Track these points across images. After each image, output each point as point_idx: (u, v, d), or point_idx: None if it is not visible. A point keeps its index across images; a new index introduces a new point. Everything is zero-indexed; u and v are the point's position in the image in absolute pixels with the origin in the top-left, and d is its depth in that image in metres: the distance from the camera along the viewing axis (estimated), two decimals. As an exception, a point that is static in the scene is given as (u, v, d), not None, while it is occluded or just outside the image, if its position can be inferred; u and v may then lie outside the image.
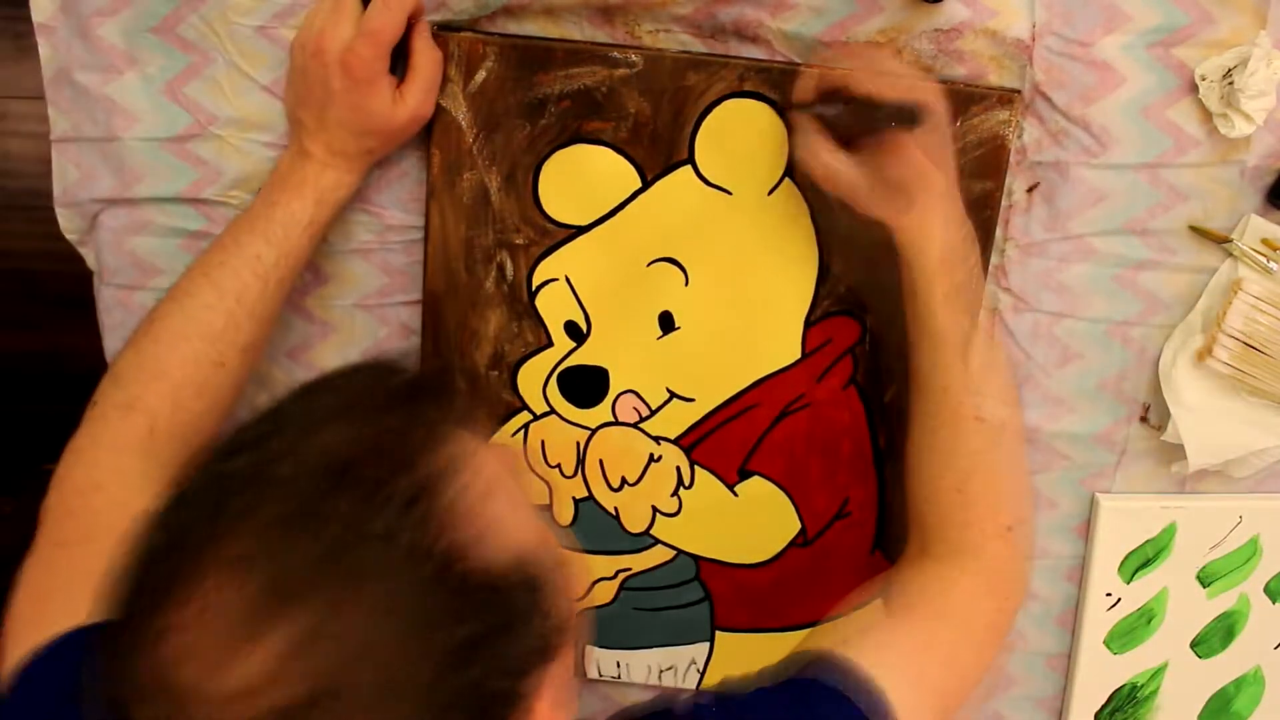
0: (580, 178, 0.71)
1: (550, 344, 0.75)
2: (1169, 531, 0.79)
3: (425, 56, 0.67)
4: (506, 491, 0.48)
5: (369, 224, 0.73)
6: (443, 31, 0.68)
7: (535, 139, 0.70)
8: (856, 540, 0.79)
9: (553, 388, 0.76)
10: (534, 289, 0.73)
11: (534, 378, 0.75)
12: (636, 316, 0.74)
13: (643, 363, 0.75)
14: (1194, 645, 0.82)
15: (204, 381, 0.65)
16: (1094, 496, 0.79)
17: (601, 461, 0.77)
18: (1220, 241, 0.73)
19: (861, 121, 0.64)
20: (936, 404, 0.66)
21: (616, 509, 0.78)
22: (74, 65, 0.70)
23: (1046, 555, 0.80)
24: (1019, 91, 0.70)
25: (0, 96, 1.57)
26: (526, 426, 0.77)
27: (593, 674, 0.84)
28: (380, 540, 0.41)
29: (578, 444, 0.77)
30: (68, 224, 0.75)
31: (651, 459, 0.77)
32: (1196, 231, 0.73)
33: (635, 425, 0.76)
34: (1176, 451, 0.76)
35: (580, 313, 0.74)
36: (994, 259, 0.73)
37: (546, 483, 0.78)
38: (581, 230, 0.72)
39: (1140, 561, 0.79)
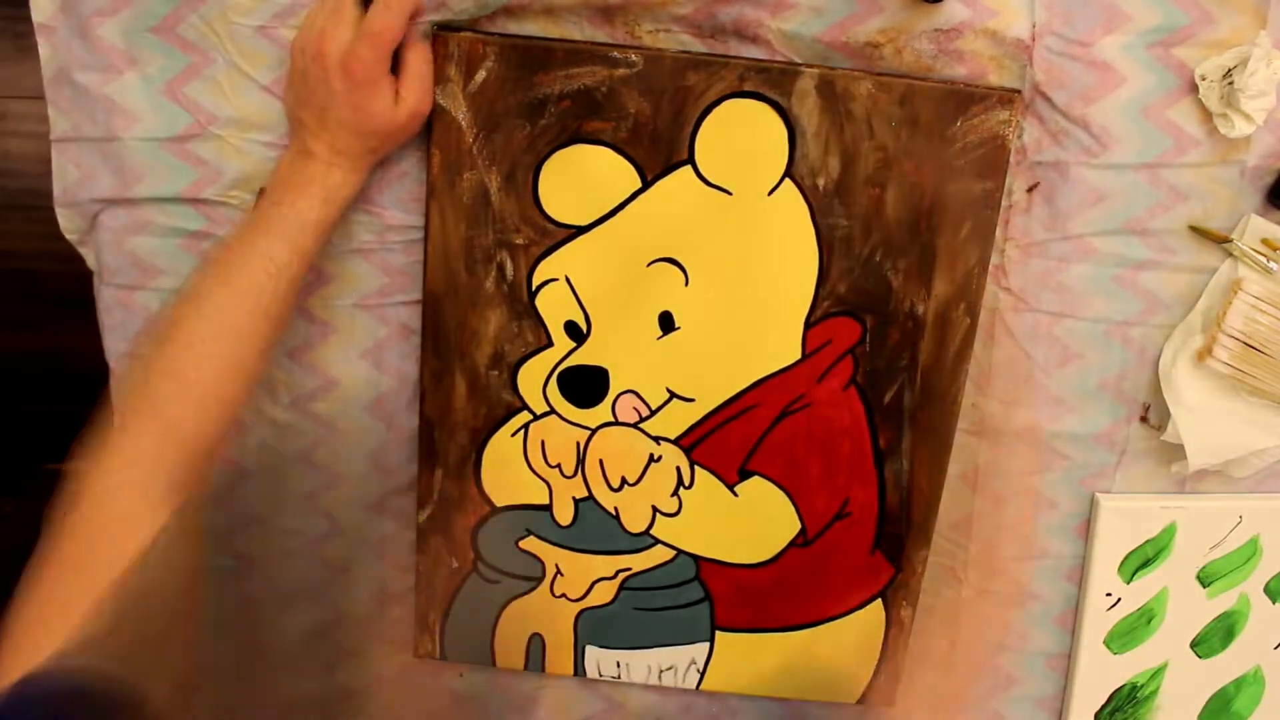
0: (580, 178, 0.71)
1: (550, 344, 0.75)
2: (1169, 531, 0.79)
3: (416, 54, 0.67)
4: None
5: (369, 224, 0.73)
6: (443, 31, 0.68)
7: (535, 139, 0.70)
8: (856, 540, 0.79)
9: (553, 388, 0.76)
10: (534, 289, 0.73)
11: (534, 378, 0.75)
12: (636, 316, 0.74)
13: (643, 363, 0.75)
14: (1194, 645, 0.82)
15: (221, 382, 0.64)
16: (1094, 496, 0.79)
17: (601, 461, 0.77)
18: (1220, 241, 0.73)
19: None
20: None
21: (616, 509, 0.78)
22: (74, 65, 0.70)
23: (1046, 555, 0.81)
24: (1019, 91, 0.70)
25: (0, 96, 1.57)
26: (526, 426, 0.77)
27: (593, 674, 0.84)
28: None
29: (578, 444, 0.77)
30: (68, 224, 0.75)
31: (651, 459, 0.77)
32: (1196, 231, 0.73)
33: (635, 425, 0.76)
34: (1176, 451, 0.76)
35: (580, 313, 0.74)
36: (994, 259, 0.73)
37: (546, 483, 0.78)
38: (581, 230, 0.72)
39: (1140, 561, 0.79)
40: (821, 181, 0.71)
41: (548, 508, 0.78)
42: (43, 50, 0.71)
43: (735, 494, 0.78)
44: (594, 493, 0.78)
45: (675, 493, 0.78)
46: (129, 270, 0.75)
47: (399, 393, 0.78)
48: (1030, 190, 0.73)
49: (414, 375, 0.77)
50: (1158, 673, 0.83)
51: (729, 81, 0.69)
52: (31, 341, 1.65)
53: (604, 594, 0.81)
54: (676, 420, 0.76)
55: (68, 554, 0.59)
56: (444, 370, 0.75)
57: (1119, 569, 0.79)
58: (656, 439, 0.77)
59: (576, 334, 0.75)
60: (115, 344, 0.77)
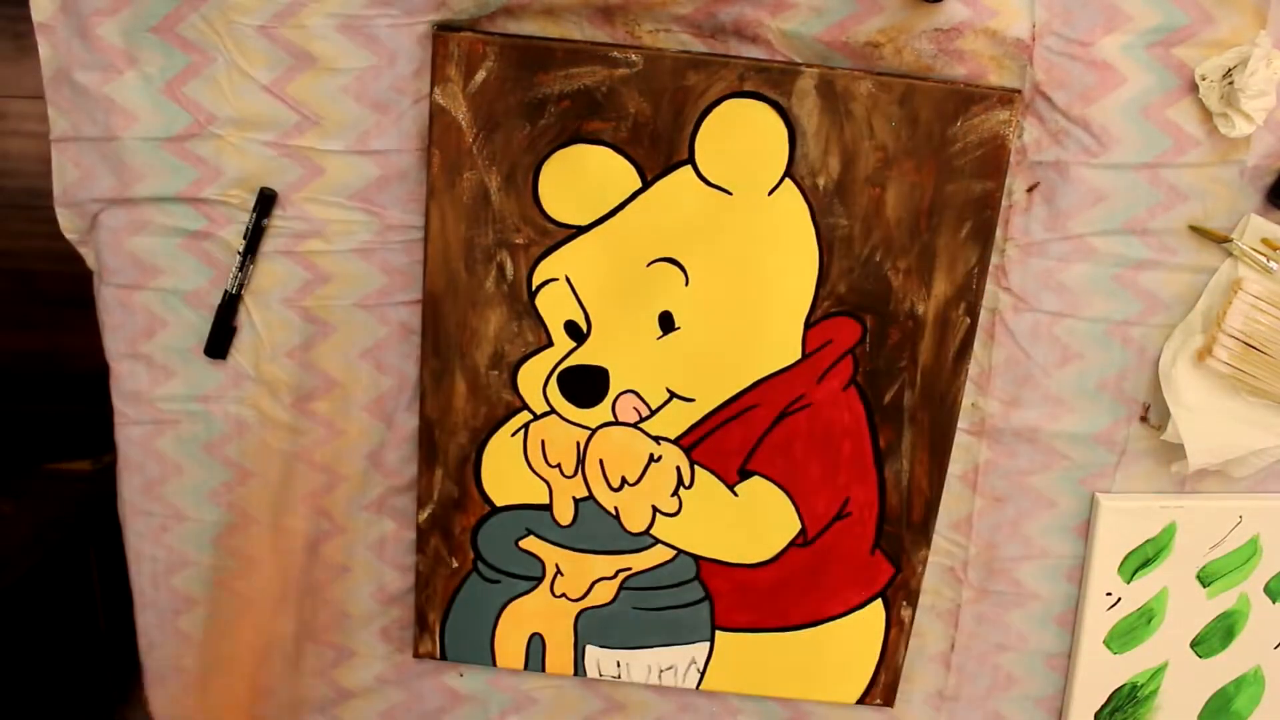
0: (580, 178, 0.71)
1: (550, 344, 0.75)
2: (1169, 531, 0.79)
3: None
4: None
5: (369, 224, 0.73)
6: (443, 31, 0.68)
7: (535, 139, 0.70)
8: (856, 540, 0.79)
9: (553, 387, 0.76)
10: (534, 289, 0.73)
11: (534, 377, 0.75)
12: (636, 316, 0.74)
13: (643, 363, 0.75)
14: (1194, 645, 0.82)
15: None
16: (1094, 496, 0.79)
17: (601, 461, 0.77)
18: (1220, 241, 0.73)
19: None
20: None
21: (616, 509, 0.78)
22: (74, 65, 0.70)
23: (1046, 555, 0.80)
24: (1019, 91, 0.70)
25: (0, 96, 1.57)
26: (526, 426, 0.77)
27: (593, 674, 0.84)
28: None
29: (578, 444, 0.77)
30: (68, 224, 0.75)
31: (651, 459, 0.77)
32: (1196, 231, 0.73)
33: (635, 425, 0.76)
34: (1176, 451, 0.76)
35: (580, 312, 0.74)
36: (994, 259, 0.73)
37: (546, 482, 0.78)
38: (581, 230, 0.72)
39: (1140, 561, 0.79)
40: (821, 181, 0.71)
41: (548, 508, 0.78)
42: (43, 50, 0.71)
43: (735, 494, 0.78)
44: (594, 492, 0.78)
45: (675, 493, 0.78)
46: (129, 270, 0.75)
47: (399, 393, 0.78)
48: (1030, 190, 0.73)
49: (414, 375, 0.77)
50: (1158, 672, 0.83)
51: (729, 81, 0.69)
52: (31, 341, 1.64)
53: (604, 594, 0.81)
54: (676, 420, 0.76)
55: None
56: (444, 370, 0.75)
57: (1119, 569, 0.79)
58: (656, 439, 0.77)
59: (576, 334, 0.75)
60: (115, 344, 0.77)
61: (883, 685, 0.83)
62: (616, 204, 0.72)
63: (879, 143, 0.70)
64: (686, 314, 0.74)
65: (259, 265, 0.74)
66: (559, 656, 0.83)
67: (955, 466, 0.78)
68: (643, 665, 0.83)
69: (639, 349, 0.75)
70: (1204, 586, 0.81)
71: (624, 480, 0.77)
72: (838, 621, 0.81)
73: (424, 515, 0.79)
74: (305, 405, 0.78)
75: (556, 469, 0.77)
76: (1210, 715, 0.85)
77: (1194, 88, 0.69)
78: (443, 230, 0.72)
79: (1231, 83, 0.67)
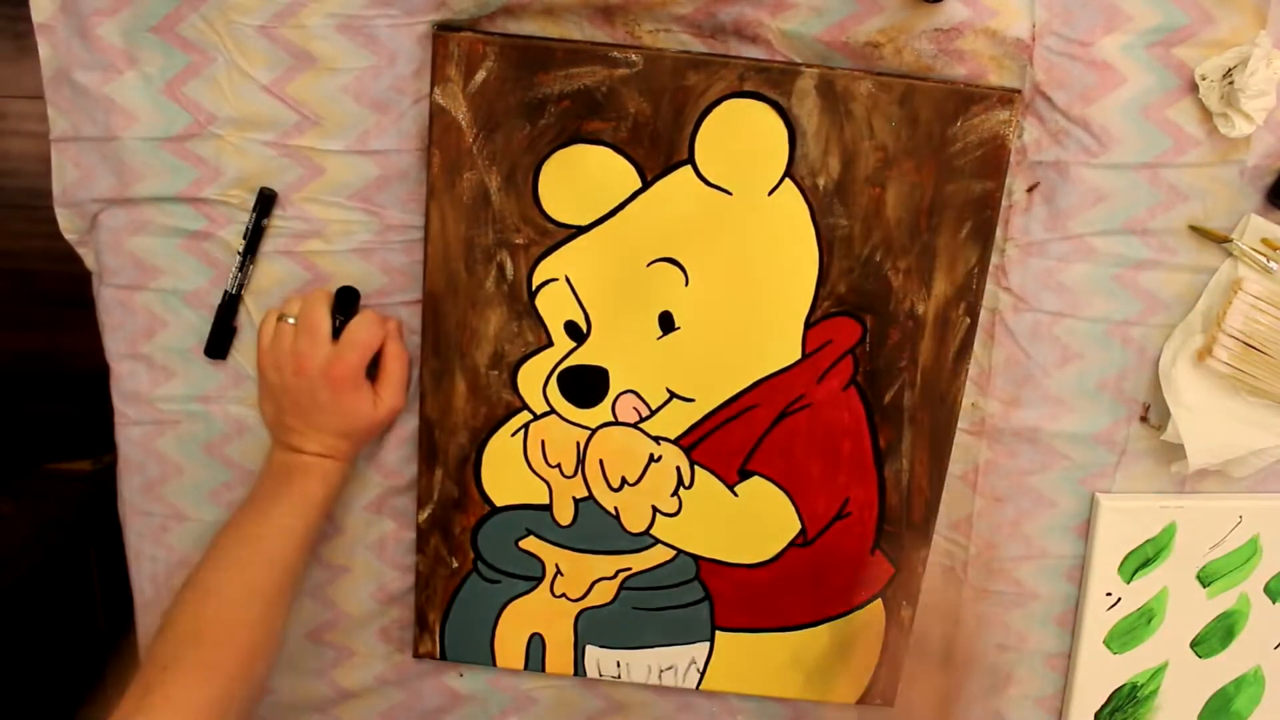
0: (580, 178, 0.71)
1: (550, 344, 0.75)
2: (1169, 531, 0.79)
3: (395, 359, 0.75)
4: None
5: (369, 224, 0.73)
6: (443, 31, 0.68)
7: (535, 139, 0.70)
8: (856, 540, 0.79)
9: (553, 387, 0.76)
10: (534, 289, 0.73)
11: (534, 378, 0.75)
12: (636, 316, 0.74)
13: (643, 363, 0.75)
14: (1194, 645, 0.82)
15: (256, 632, 0.68)
16: (1094, 496, 0.79)
17: (601, 461, 0.77)
18: (1220, 241, 0.73)
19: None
20: None
21: (616, 509, 0.78)
22: (73, 65, 0.70)
23: (1046, 555, 0.80)
24: (1019, 91, 0.70)
25: (0, 96, 1.57)
26: (526, 426, 0.77)
27: (593, 674, 0.84)
28: None
29: (578, 444, 0.77)
30: (67, 224, 0.75)
31: (651, 459, 0.77)
32: (1196, 231, 0.73)
33: (635, 425, 0.76)
34: (1176, 451, 0.76)
35: (580, 313, 0.74)
36: (994, 259, 0.73)
37: (546, 482, 0.78)
38: (581, 230, 0.72)
39: (1140, 561, 0.79)
40: (821, 181, 0.71)
41: (548, 508, 0.78)
42: (42, 50, 0.71)
43: (735, 494, 0.78)
44: (594, 493, 0.78)
45: (675, 493, 0.78)
46: (128, 270, 0.75)
47: (399, 393, 0.78)
48: (1030, 190, 0.73)
49: (414, 375, 0.77)
50: (1158, 672, 0.83)
51: (729, 81, 0.69)
52: (31, 341, 1.65)
53: (604, 594, 0.81)
54: (676, 420, 0.76)
55: None
56: (444, 370, 0.75)
57: (1119, 569, 0.79)
58: (656, 439, 0.77)
59: (576, 334, 0.75)
60: (115, 344, 0.77)
61: (882, 685, 0.83)
62: (616, 204, 0.72)
63: (879, 143, 0.70)
64: (686, 314, 0.74)
65: (259, 265, 0.74)
66: (559, 657, 0.83)
67: (955, 466, 0.78)
68: (643, 665, 0.83)
69: (639, 349, 0.75)
70: (1204, 586, 0.81)
71: (624, 480, 0.77)
72: (837, 621, 0.81)
73: (424, 515, 0.79)
74: (305, 405, 0.78)
75: (556, 469, 0.77)
76: (1210, 715, 0.85)
77: (1194, 88, 0.69)
78: (443, 230, 0.72)
79: (1231, 83, 0.67)
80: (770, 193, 0.71)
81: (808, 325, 0.74)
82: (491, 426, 0.77)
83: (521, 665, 0.84)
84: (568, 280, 0.73)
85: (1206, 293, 0.74)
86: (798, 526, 0.79)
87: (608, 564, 0.80)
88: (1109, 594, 0.80)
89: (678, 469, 0.77)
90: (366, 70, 0.70)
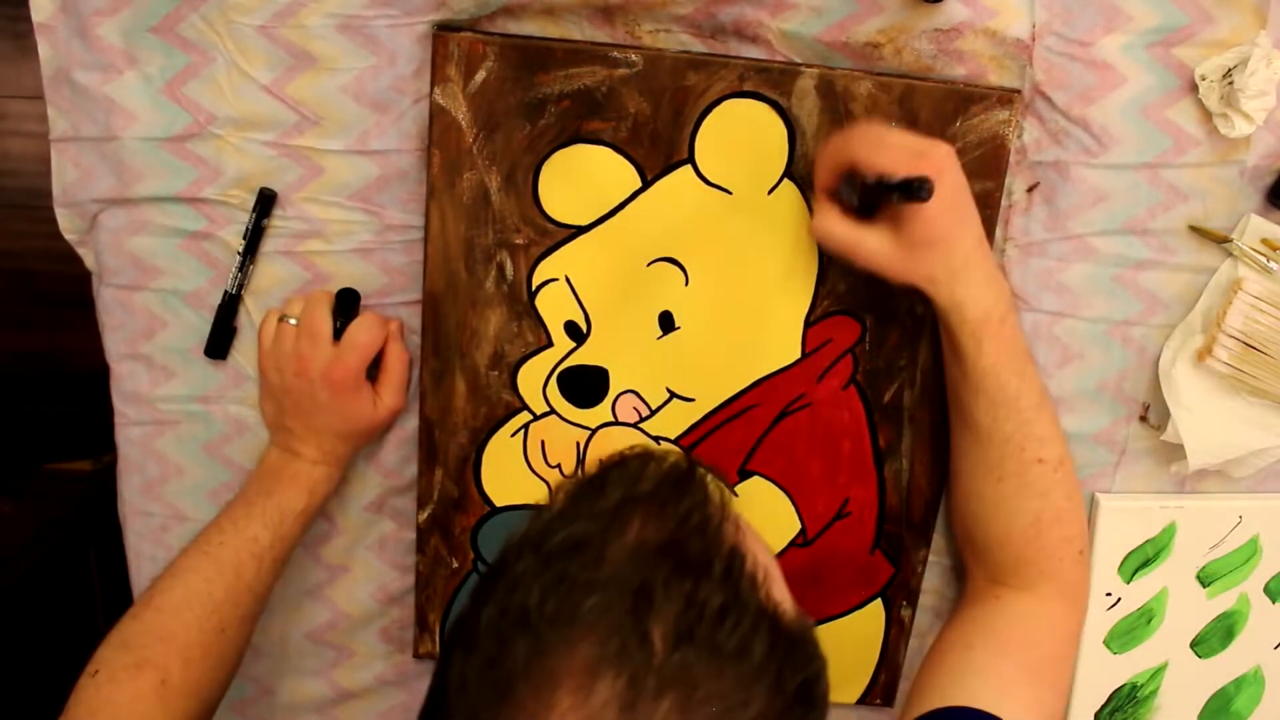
0: (580, 178, 0.71)
1: (550, 344, 0.75)
2: (1169, 531, 0.79)
3: (396, 360, 0.75)
4: (767, 554, 0.53)
5: (369, 224, 0.73)
6: (443, 31, 0.68)
7: (535, 139, 0.70)
8: (856, 540, 0.79)
9: (553, 388, 0.76)
10: (534, 289, 0.73)
11: (534, 378, 0.75)
12: (636, 316, 0.74)
13: (643, 363, 0.75)
14: (1194, 645, 0.82)
15: (209, 645, 0.68)
16: (1094, 496, 0.79)
17: (601, 461, 0.77)
18: (1220, 241, 0.73)
19: (876, 199, 0.64)
20: (1000, 455, 0.68)
21: (616, 509, 0.78)
22: (73, 65, 0.70)
23: (1046, 555, 0.80)
24: (1019, 91, 0.70)
25: (0, 96, 1.57)
26: (526, 426, 0.77)
27: (593, 674, 0.84)
28: (723, 610, 0.46)
29: (578, 444, 0.77)
30: (67, 224, 0.75)
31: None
32: (1196, 231, 0.73)
33: (635, 425, 0.76)
34: (1176, 451, 0.76)
35: (580, 313, 0.74)
36: (994, 259, 0.73)
37: (547, 483, 0.78)
38: (581, 230, 0.72)
39: (1140, 561, 0.79)
40: (821, 181, 0.71)
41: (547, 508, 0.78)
42: (42, 50, 0.71)
43: (735, 494, 0.78)
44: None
45: (675, 493, 0.78)
46: (128, 270, 0.75)
47: (399, 393, 0.78)
48: (1030, 190, 0.73)
49: (414, 375, 0.77)
50: (1158, 673, 0.83)
51: (729, 81, 0.69)
52: (31, 341, 1.65)
53: (604, 594, 0.81)
54: (676, 420, 0.76)
55: None
56: (444, 370, 0.75)
57: (1119, 569, 0.79)
58: (656, 439, 0.77)
59: (576, 334, 0.75)
60: (115, 344, 0.77)
61: (882, 685, 0.83)
62: (616, 204, 0.72)
63: (879, 143, 0.70)
64: (686, 314, 0.74)
65: (259, 265, 0.74)
66: (559, 656, 0.83)
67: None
68: (643, 665, 0.83)
69: (639, 349, 0.75)
70: (1204, 586, 0.81)
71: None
72: (837, 621, 0.81)
73: (424, 515, 0.79)
74: (305, 405, 0.78)
75: (556, 469, 0.77)
76: (1210, 715, 0.85)
77: (1194, 88, 0.69)
78: (443, 230, 0.72)
79: (1231, 83, 0.67)
80: (770, 192, 0.71)
81: (807, 324, 0.74)
82: (491, 427, 0.77)
83: (521, 665, 0.83)
84: (568, 280, 0.73)
85: (1206, 293, 0.74)
86: (798, 526, 0.79)
87: (608, 564, 0.80)
88: (1109, 594, 0.80)
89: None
90: (366, 70, 0.70)
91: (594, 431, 0.76)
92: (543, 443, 0.77)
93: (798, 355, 0.75)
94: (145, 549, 0.82)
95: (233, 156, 0.72)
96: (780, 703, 0.46)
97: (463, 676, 0.47)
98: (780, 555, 0.79)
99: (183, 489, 0.80)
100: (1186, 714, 0.84)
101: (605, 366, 0.75)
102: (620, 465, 0.55)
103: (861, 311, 0.74)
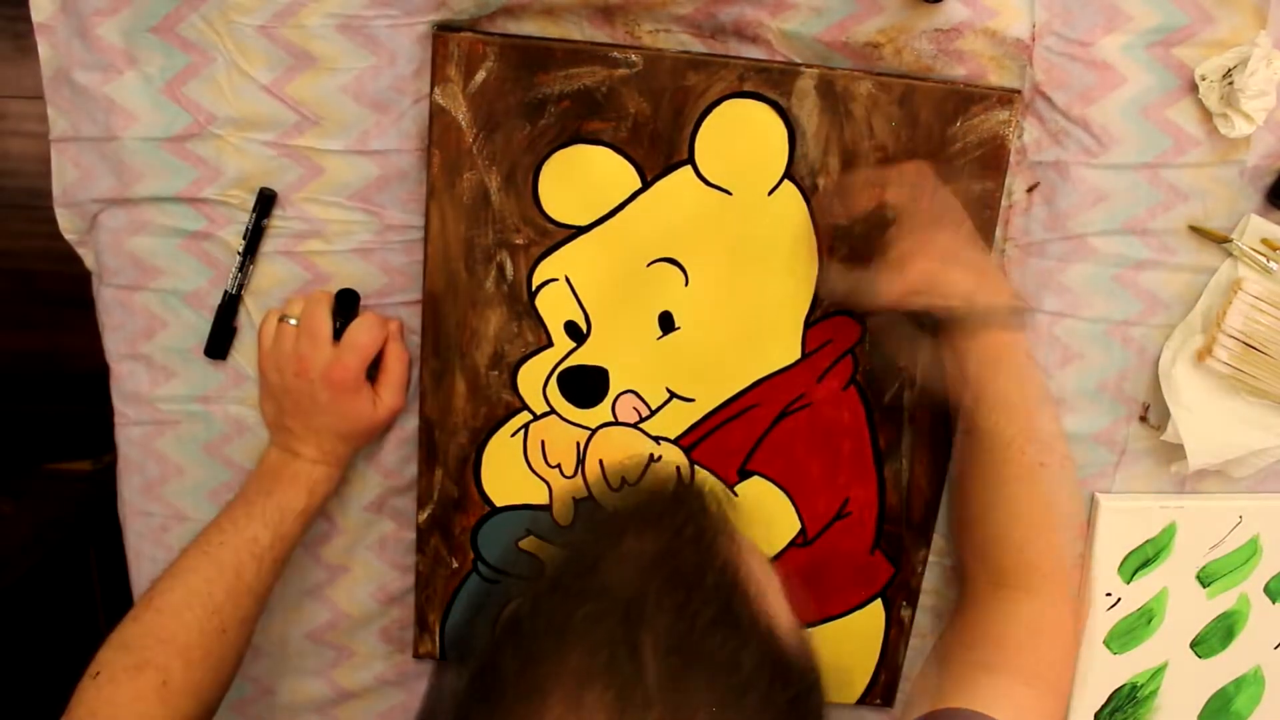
0: (580, 178, 0.71)
1: (550, 344, 0.75)
2: (1169, 531, 0.79)
3: (396, 360, 0.75)
4: (765, 569, 0.53)
5: (369, 224, 0.73)
6: (443, 31, 0.68)
7: (535, 139, 0.70)
8: (856, 540, 0.79)
9: (553, 388, 0.76)
10: (534, 289, 0.73)
11: (534, 378, 0.75)
12: (636, 316, 0.74)
13: (643, 363, 0.75)
14: (1194, 645, 0.82)
15: (209, 646, 0.68)
16: (1094, 496, 0.79)
17: (601, 461, 0.77)
18: (1220, 241, 0.73)
19: (860, 235, 0.66)
20: (1003, 458, 0.68)
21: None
22: (73, 65, 0.70)
23: (1046, 555, 0.80)
24: (1019, 91, 0.70)
25: (0, 96, 1.57)
26: (526, 426, 0.77)
27: (593, 674, 0.84)
28: (714, 623, 0.45)
29: (578, 444, 0.77)
30: (67, 224, 0.75)
31: (651, 459, 0.77)
32: (1196, 231, 0.73)
33: (635, 425, 0.76)
34: (1176, 451, 0.76)
35: (580, 313, 0.74)
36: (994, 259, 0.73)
37: (546, 483, 0.78)
38: (581, 230, 0.72)
39: (1140, 561, 0.79)
40: (821, 181, 0.71)
41: (548, 508, 0.78)
42: (42, 50, 0.71)
43: (735, 494, 0.78)
44: (594, 493, 0.78)
45: (675, 493, 0.78)
46: (128, 270, 0.75)
47: (399, 393, 0.78)
48: (1030, 190, 0.73)
49: (414, 375, 0.77)
50: (1158, 673, 0.83)
51: (729, 81, 0.69)
52: (31, 341, 1.65)
53: (604, 594, 0.81)
54: (676, 420, 0.76)
55: None
56: (444, 370, 0.75)
57: (1119, 569, 0.79)
58: (656, 439, 0.77)
59: (576, 334, 0.75)
60: (115, 344, 0.77)
61: (883, 685, 0.83)
62: (616, 204, 0.72)
63: (879, 143, 0.70)
64: (686, 314, 0.74)
65: (259, 265, 0.74)
66: (559, 656, 0.83)
67: (955, 466, 0.78)
68: (643, 665, 0.83)
69: (639, 349, 0.75)
70: (1204, 586, 0.81)
71: (624, 480, 0.77)
72: (837, 621, 0.81)
73: (424, 516, 0.79)
74: (305, 405, 0.78)
75: (556, 469, 0.77)
76: (1210, 715, 0.85)
77: (1194, 88, 0.69)
78: (443, 230, 0.72)
79: (1231, 83, 0.67)
80: (770, 193, 0.71)
81: (807, 325, 0.74)
82: (491, 427, 0.77)
83: (521, 665, 0.83)
84: (568, 280, 0.73)
85: (1206, 293, 0.74)
86: (798, 526, 0.79)
87: (608, 564, 0.80)
88: (1109, 594, 0.80)
89: (678, 469, 0.77)
90: (366, 70, 0.70)
91: (594, 431, 0.76)
92: (543, 443, 0.77)
93: (798, 355, 0.75)
94: (145, 549, 0.82)
95: (233, 156, 0.72)
96: (770, 716, 0.46)
97: (454, 686, 0.47)
98: (780, 555, 0.79)
99: (183, 489, 0.80)
100: (1186, 714, 0.84)
101: (605, 366, 0.75)
102: (619, 477, 0.56)
103: (862, 312, 0.74)
